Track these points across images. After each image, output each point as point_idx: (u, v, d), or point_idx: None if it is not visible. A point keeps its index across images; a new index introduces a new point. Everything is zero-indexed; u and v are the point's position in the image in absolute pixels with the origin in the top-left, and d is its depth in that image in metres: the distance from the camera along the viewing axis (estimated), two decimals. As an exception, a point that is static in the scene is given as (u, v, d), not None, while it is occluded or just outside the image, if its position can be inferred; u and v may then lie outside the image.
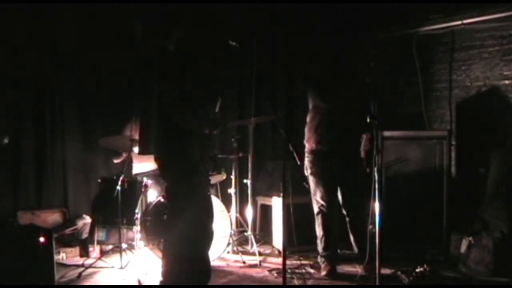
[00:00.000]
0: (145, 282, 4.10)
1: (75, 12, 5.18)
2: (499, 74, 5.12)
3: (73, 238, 5.07)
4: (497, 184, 4.60)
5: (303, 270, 4.40)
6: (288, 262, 4.15)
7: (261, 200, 5.61)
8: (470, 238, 4.38)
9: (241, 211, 5.50)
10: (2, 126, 4.94)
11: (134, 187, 5.01)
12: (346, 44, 5.06)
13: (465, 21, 5.24)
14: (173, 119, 3.36)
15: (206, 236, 3.52)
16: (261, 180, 5.69)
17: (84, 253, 4.90)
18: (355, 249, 4.39)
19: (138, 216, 4.75)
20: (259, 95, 5.82)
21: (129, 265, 4.52)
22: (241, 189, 5.49)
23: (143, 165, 4.92)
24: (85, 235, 5.07)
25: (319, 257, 4.43)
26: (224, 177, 5.10)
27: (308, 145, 4.37)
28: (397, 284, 4.05)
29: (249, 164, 5.23)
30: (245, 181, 5.23)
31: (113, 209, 4.59)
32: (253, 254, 4.93)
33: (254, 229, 5.28)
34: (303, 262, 4.57)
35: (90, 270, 4.39)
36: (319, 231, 4.40)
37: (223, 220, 4.71)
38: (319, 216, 4.38)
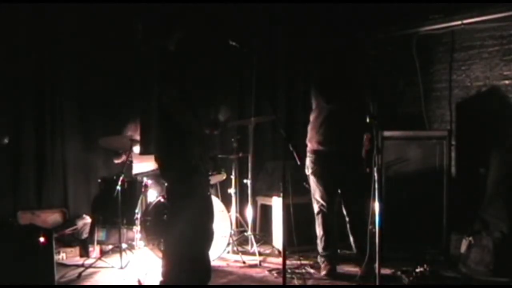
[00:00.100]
0: (145, 282, 4.10)
1: (75, 12, 5.17)
2: (499, 74, 5.12)
3: (73, 238, 5.07)
4: (497, 184, 4.59)
5: (303, 270, 4.40)
6: (288, 262, 4.15)
7: (261, 200, 5.61)
8: (470, 238, 4.38)
9: (241, 211, 5.50)
10: (2, 126, 4.93)
11: (134, 187, 5.01)
12: (346, 44, 5.06)
13: (465, 21, 5.24)
14: (173, 119, 3.36)
15: (206, 236, 3.51)
16: (261, 180, 5.68)
17: (84, 253, 4.90)
18: (355, 250, 4.38)
19: (138, 216, 4.75)
20: (259, 95, 5.80)
21: (129, 265, 4.52)
22: (241, 189, 5.49)
23: (143, 165, 4.91)
24: (85, 235, 5.07)
25: (319, 257, 4.43)
26: (224, 177, 5.10)
27: (310, 145, 4.36)
28: (397, 284, 4.05)
29: (249, 164, 5.22)
30: (245, 181, 5.22)
31: (113, 209, 4.59)
32: (253, 254, 4.93)
33: (254, 229, 5.28)
34: (303, 262, 4.57)
35: (90, 270, 4.39)
36: (319, 231, 4.40)
37: (223, 220, 4.71)
38: (319, 216, 4.38)
